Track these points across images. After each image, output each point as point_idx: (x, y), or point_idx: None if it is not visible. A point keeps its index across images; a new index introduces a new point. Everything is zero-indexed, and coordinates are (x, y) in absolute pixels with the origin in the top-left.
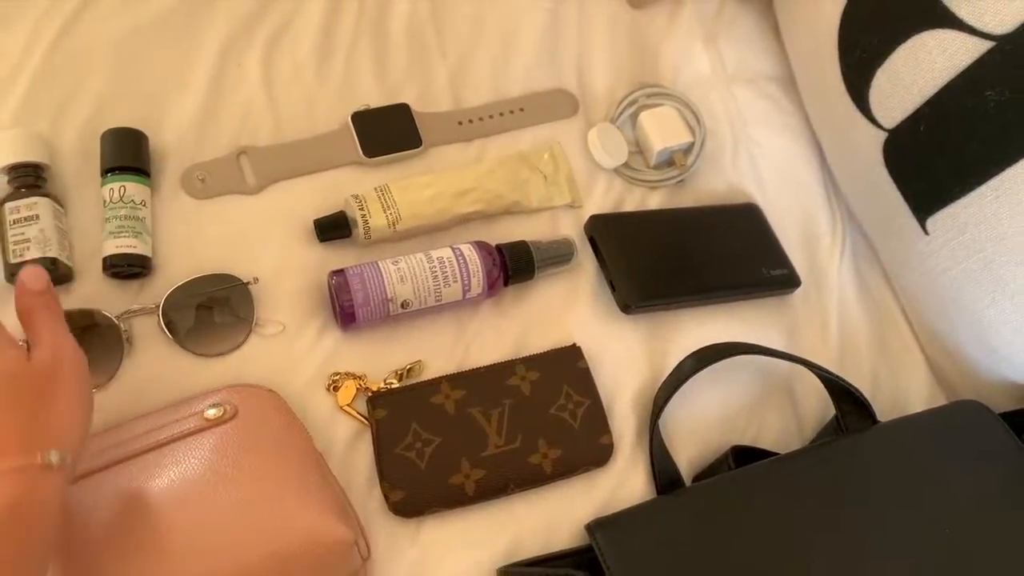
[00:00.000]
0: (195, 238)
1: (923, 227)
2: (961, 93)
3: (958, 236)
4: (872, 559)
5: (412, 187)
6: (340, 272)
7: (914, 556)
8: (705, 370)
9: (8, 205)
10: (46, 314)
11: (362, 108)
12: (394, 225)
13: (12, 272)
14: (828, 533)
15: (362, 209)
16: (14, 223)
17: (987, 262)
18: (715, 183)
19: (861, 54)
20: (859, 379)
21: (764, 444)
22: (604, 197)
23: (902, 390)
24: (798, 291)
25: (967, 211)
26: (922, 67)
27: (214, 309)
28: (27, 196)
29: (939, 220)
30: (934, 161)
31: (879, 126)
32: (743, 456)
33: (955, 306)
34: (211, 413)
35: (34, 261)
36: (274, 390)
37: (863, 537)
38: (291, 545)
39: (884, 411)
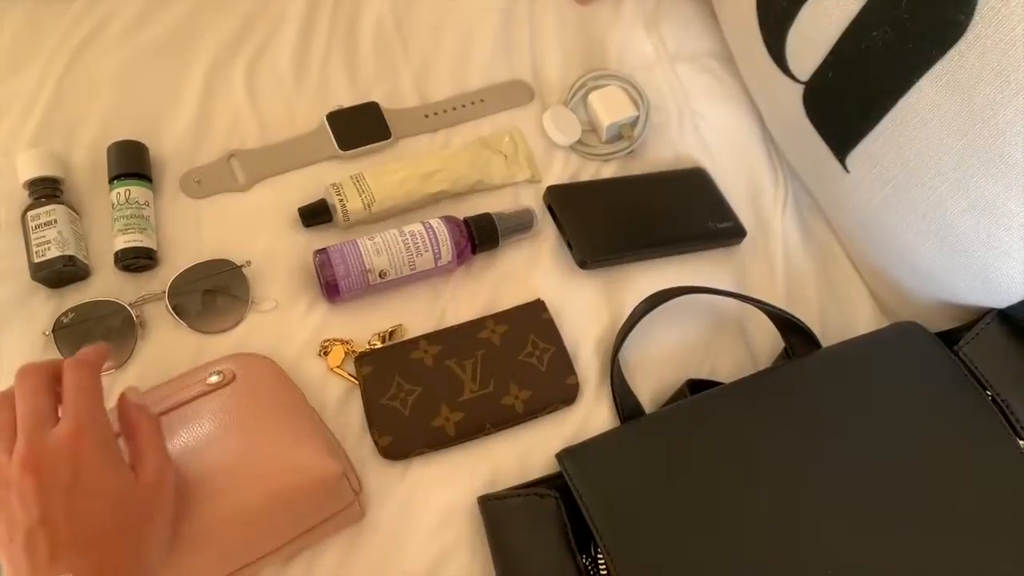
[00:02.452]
0: (195, 232)
1: (844, 166)
2: (856, 38)
3: (872, 169)
4: (821, 468)
5: (384, 173)
6: (323, 250)
7: (860, 462)
8: (661, 315)
9: (30, 213)
10: (151, 432)
11: (336, 109)
12: (369, 207)
13: (37, 270)
14: (779, 446)
15: (340, 195)
16: (35, 228)
17: (898, 188)
18: (664, 153)
19: (774, 18)
20: (808, 318)
21: (719, 379)
22: (562, 172)
23: (849, 325)
24: (745, 241)
25: (876, 144)
26: (822, 21)
27: (214, 291)
28: (46, 205)
29: (855, 157)
30: (843, 104)
31: (796, 80)
32: (698, 388)
33: (881, 235)
34: (213, 379)
35: (54, 259)
36: (268, 356)
37: (812, 449)
38: (287, 483)
39: None
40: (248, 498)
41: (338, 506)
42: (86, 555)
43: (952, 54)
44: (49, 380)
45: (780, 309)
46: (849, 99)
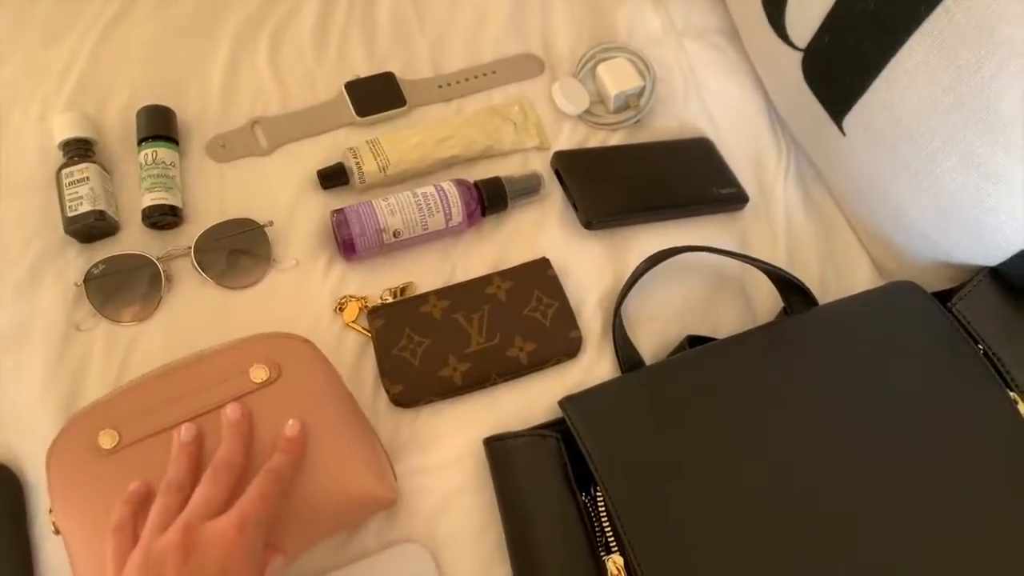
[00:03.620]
0: (219, 194)
1: (841, 129)
2: (849, 2)
3: (867, 130)
4: (818, 418)
5: (399, 138)
6: (340, 210)
7: (855, 413)
8: (663, 273)
9: (64, 171)
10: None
11: (354, 78)
12: (384, 170)
13: (70, 224)
14: (777, 397)
15: (356, 158)
16: (69, 185)
17: (891, 147)
18: (670, 123)
19: None
20: (808, 282)
21: (719, 337)
22: (569, 140)
23: (847, 289)
24: (748, 207)
25: (870, 106)
26: None
27: (238, 249)
28: (79, 163)
29: (851, 120)
30: (839, 67)
31: (795, 47)
32: (698, 344)
33: (877, 197)
34: (256, 375)
35: (86, 213)
36: (310, 339)
37: (809, 399)
38: (339, 506)
39: None
40: (297, 510)
41: (380, 510)
42: None
43: (939, 11)
44: (243, 460)
45: (779, 268)
46: (844, 62)
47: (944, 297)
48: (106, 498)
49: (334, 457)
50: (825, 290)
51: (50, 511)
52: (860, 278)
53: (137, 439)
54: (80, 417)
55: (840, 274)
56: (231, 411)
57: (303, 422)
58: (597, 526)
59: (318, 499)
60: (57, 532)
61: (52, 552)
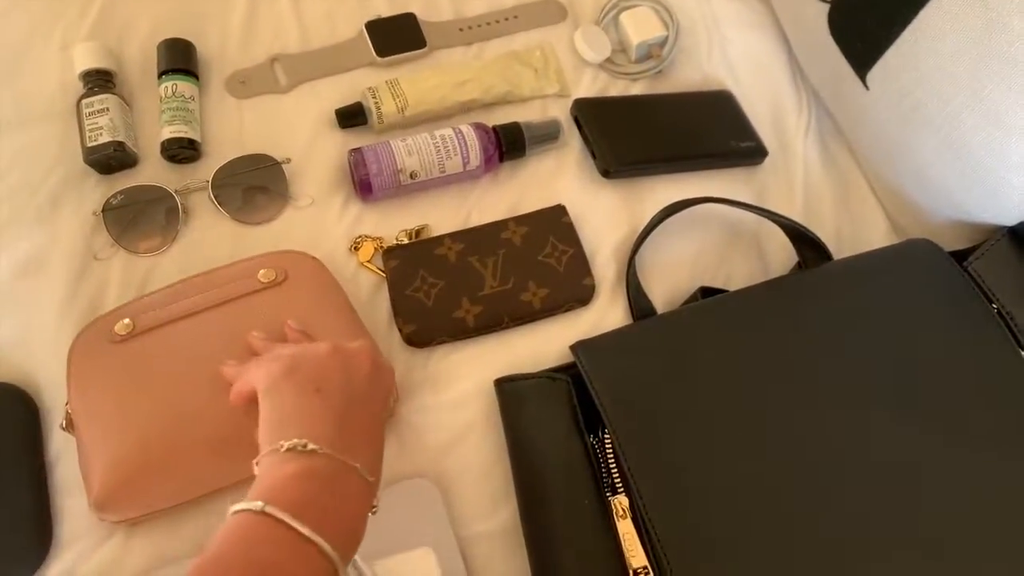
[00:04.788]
0: (237, 130)
1: (864, 84)
2: None
3: (891, 84)
4: (829, 369)
5: (418, 80)
6: (357, 150)
7: (867, 365)
8: (679, 225)
9: (84, 101)
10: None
11: (374, 18)
12: (403, 111)
13: (90, 154)
14: (788, 348)
15: (375, 98)
16: (89, 115)
17: (915, 103)
18: (691, 75)
19: None
20: (824, 236)
21: (732, 289)
22: (590, 88)
23: (863, 246)
24: (766, 162)
25: (895, 59)
26: None
27: (255, 185)
28: (99, 94)
29: (875, 73)
30: (866, 19)
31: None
32: (711, 295)
33: (898, 152)
34: (264, 276)
35: (105, 144)
36: (316, 257)
37: (821, 350)
38: None
39: None
40: None
41: None
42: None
43: None
44: None
45: (795, 221)
46: (871, 15)
47: (960, 257)
48: (116, 377)
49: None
50: (840, 246)
51: (66, 404)
52: (876, 235)
53: (150, 327)
54: (101, 317)
55: (856, 230)
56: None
57: (304, 320)
58: (604, 467)
59: None
60: (66, 427)
61: (66, 472)
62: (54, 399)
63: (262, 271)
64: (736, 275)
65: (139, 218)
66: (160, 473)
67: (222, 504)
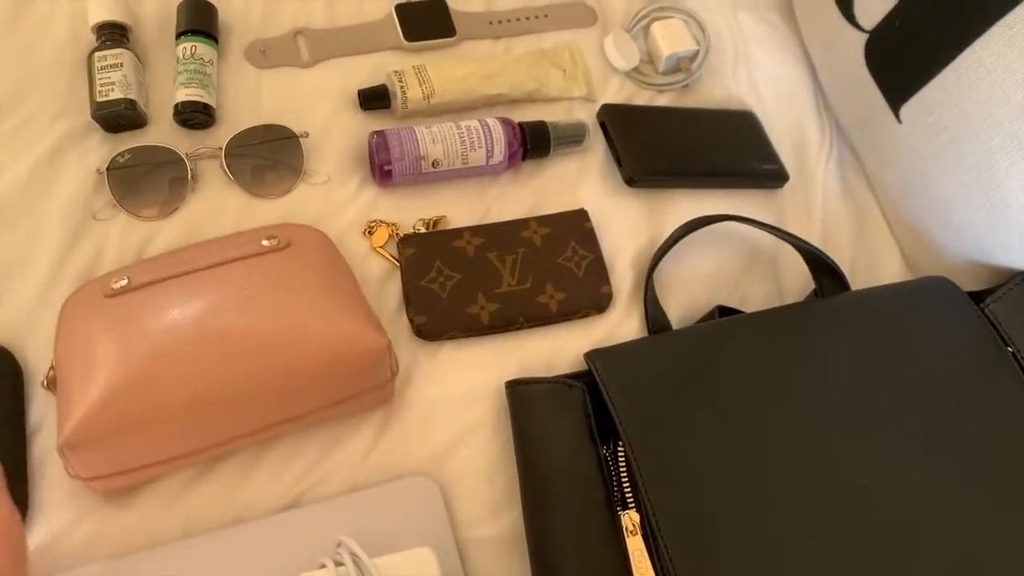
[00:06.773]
0: (254, 100)
1: (897, 117)
2: None
3: (926, 119)
4: (839, 399)
5: (446, 68)
6: (380, 132)
7: (878, 398)
8: (698, 241)
9: (97, 54)
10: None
11: (405, 1)
12: (428, 98)
13: (98, 109)
14: (800, 374)
15: (401, 82)
16: (101, 69)
17: (950, 139)
18: (716, 93)
19: None
20: (840, 266)
21: (748, 310)
22: (616, 95)
23: (878, 278)
24: (786, 187)
25: (933, 95)
26: None
27: (269, 157)
28: (113, 48)
29: (911, 107)
30: (906, 52)
31: (861, 29)
32: (727, 315)
33: (924, 188)
34: (267, 242)
35: (116, 100)
36: (324, 232)
37: (833, 379)
38: (335, 349)
39: None
40: (293, 358)
41: (376, 381)
42: None
43: None
44: None
45: (814, 247)
46: (913, 48)
47: (976, 298)
48: (103, 328)
49: (332, 312)
50: (854, 279)
51: (51, 364)
52: (890, 270)
53: (144, 283)
54: (97, 278)
55: (870, 263)
56: None
57: (305, 289)
58: (615, 481)
59: (316, 347)
60: (47, 385)
61: (47, 440)
62: (40, 360)
63: (264, 239)
64: (751, 296)
65: (145, 180)
66: (134, 425)
67: (206, 485)
